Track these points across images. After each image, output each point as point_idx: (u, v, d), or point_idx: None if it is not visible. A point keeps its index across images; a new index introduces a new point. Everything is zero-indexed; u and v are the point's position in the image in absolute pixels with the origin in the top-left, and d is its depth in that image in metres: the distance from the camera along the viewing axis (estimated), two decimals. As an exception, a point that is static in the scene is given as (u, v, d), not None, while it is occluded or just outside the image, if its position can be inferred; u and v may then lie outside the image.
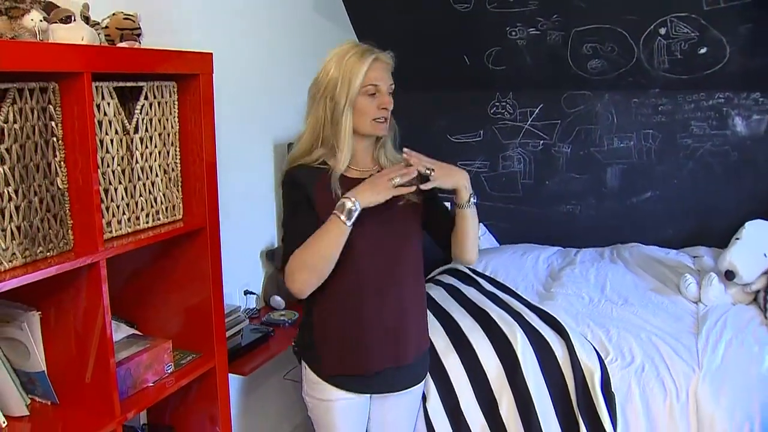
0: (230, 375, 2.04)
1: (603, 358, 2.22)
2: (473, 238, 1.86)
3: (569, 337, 2.27)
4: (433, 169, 1.71)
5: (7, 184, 1.29)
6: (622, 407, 2.15)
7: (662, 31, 3.05)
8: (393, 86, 1.80)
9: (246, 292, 2.69)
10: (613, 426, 2.13)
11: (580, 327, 2.39)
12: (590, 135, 3.53)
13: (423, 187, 1.74)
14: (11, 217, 1.31)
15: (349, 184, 1.74)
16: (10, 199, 1.30)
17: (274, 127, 2.85)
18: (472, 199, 1.79)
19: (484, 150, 3.70)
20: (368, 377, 1.86)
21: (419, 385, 1.99)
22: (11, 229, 1.31)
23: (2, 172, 1.28)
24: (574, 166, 3.58)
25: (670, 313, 2.55)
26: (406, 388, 1.94)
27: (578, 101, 3.51)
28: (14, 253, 1.32)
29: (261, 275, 2.83)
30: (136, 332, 1.84)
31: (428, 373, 2.08)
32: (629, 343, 2.29)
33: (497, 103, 3.62)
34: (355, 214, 1.65)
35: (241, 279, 2.65)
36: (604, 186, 3.56)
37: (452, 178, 1.75)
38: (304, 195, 1.76)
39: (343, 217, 1.65)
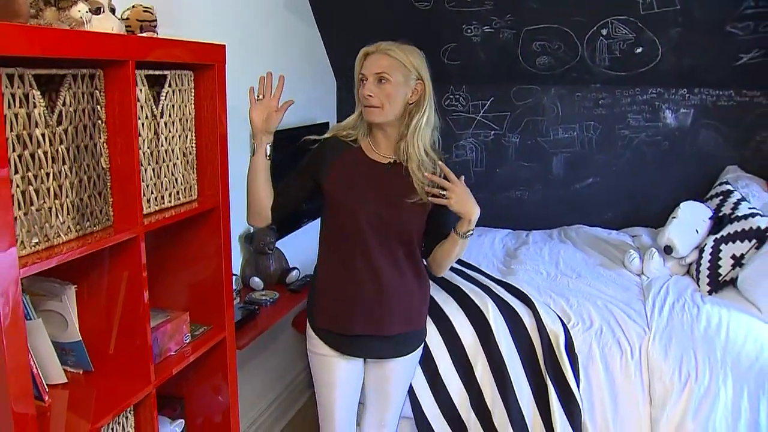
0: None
1: (566, 323, 2.47)
2: (453, 260, 2.07)
3: (535, 305, 2.51)
4: (444, 195, 1.89)
5: (64, 163, 1.40)
6: (585, 366, 2.41)
7: (604, 31, 3.34)
8: (385, 74, 1.92)
9: (228, 274, 2.80)
10: (576, 383, 2.38)
11: (543, 297, 2.63)
12: (537, 126, 3.80)
13: (432, 200, 1.92)
14: (67, 193, 1.41)
15: (368, 163, 1.99)
16: (66, 176, 1.41)
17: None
18: (470, 233, 1.98)
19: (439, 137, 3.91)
20: (349, 338, 2.05)
21: (410, 355, 2.14)
22: (67, 204, 1.41)
23: (62, 151, 1.38)
24: (523, 154, 3.85)
25: (619, 284, 2.83)
26: (384, 358, 2.11)
27: (527, 95, 3.77)
28: (69, 227, 1.42)
29: (240, 258, 2.95)
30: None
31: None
32: (588, 309, 2.55)
33: (451, 96, 3.85)
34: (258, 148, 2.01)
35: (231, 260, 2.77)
36: (550, 173, 3.84)
37: (464, 207, 1.93)
38: (314, 166, 2.04)
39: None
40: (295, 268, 3.04)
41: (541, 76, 3.64)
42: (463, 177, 1.96)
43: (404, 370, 2.16)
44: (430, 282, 2.19)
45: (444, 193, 1.89)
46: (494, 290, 2.62)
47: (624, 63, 3.47)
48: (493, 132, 3.86)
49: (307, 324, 2.13)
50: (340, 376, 2.11)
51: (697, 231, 2.96)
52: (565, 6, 3.26)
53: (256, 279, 2.90)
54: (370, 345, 2.07)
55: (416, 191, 1.95)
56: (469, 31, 3.47)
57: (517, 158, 3.86)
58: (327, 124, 3.67)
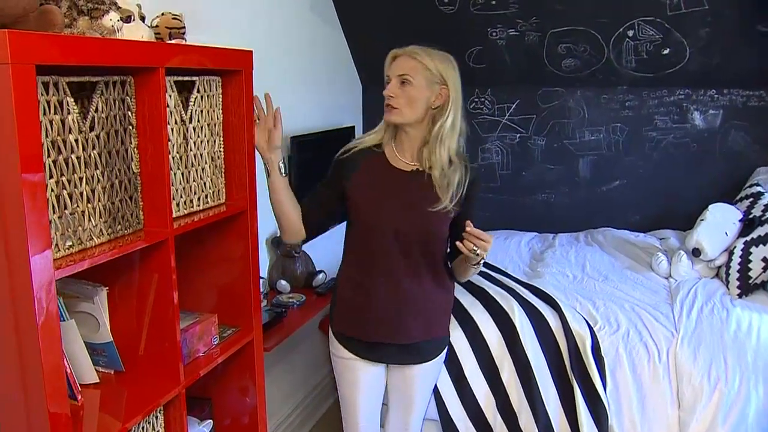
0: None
1: (592, 326, 2.46)
2: (471, 275, 2.08)
3: (561, 308, 2.50)
4: (477, 252, 1.85)
5: (96, 167, 1.43)
6: (611, 369, 2.39)
7: (630, 33, 3.33)
8: (407, 76, 1.92)
9: (255, 277, 2.83)
10: (603, 386, 2.36)
11: (570, 300, 2.62)
12: (563, 128, 3.78)
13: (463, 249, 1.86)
14: (99, 197, 1.44)
15: (391, 171, 2.00)
16: (98, 180, 1.44)
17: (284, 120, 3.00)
18: (479, 266, 1.97)
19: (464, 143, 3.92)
20: (369, 344, 2.06)
21: (432, 361, 2.13)
22: (99, 208, 1.44)
23: (94, 156, 1.42)
24: (549, 157, 3.83)
25: (646, 287, 2.81)
26: (405, 364, 2.11)
27: (552, 97, 3.76)
28: (101, 230, 1.45)
29: (267, 261, 2.98)
30: (177, 309, 1.98)
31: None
32: (615, 312, 2.54)
33: (476, 99, 3.85)
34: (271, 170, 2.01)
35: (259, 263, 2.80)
36: (576, 176, 3.82)
37: (485, 252, 1.88)
38: (340, 173, 2.04)
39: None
40: (321, 271, 3.06)
41: (567, 78, 3.63)
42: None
43: (427, 374, 2.17)
44: (456, 284, 2.21)
45: (476, 250, 1.85)
46: (520, 293, 2.61)
47: (651, 64, 3.45)
48: (518, 135, 3.86)
49: (329, 327, 2.15)
50: (362, 378, 2.12)
51: (726, 233, 2.92)
52: (591, 8, 3.25)
53: (283, 282, 2.93)
54: (389, 351, 2.07)
55: (439, 199, 1.94)
56: (494, 34, 3.47)
57: (543, 161, 3.85)
58: (353, 128, 3.70)
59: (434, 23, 3.45)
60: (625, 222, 3.71)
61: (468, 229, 1.84)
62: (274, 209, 2.06)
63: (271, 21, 2.91)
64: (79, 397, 1.54)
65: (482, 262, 1.96)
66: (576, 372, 2.39)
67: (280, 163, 2.00)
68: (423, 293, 2.03)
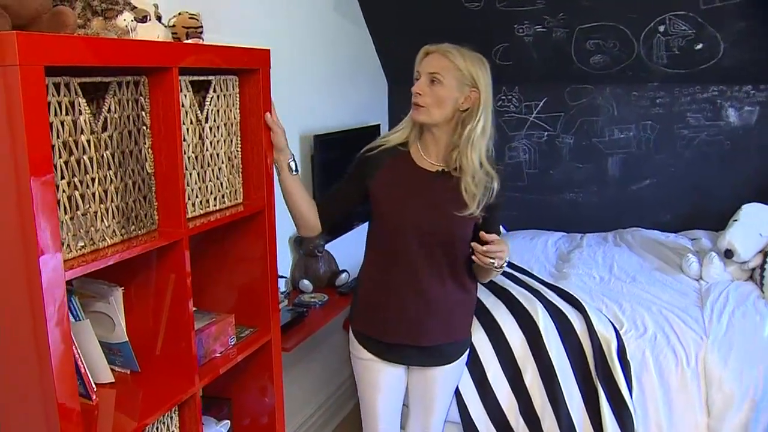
0: (275, 350, 2.18)
1: (618, 329, 2.40)
2: (490, 278, 2.07)
3: (586, 310, 2.45)
4: (494, 263, 1.84)
5: (109, 168, 1.43)
6: (638, 373, 2.34)
7: (661, 28, 3.25)
8: (438, 75, 1.88)
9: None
10: (629, 390, 2.31)
11: (595, 302, 2.57)
12: (592, 126, 3.72)
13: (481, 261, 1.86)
14: (112, 198, 1.44)
15: (415, 170, 1.96)
16: (111, 181, 1.44)
17: (300, 119, 2.99)
18: (502, 268, 1.93)
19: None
20: (388, 345, 2.03)
21: (453, 364, 2.09)
22: (112, 208, 1.44)
23: (107, 156, 1.42)
24: (577, 156, 3.77)
25: (676, 289, 2.74)
26: (425, 366, 2.08)
27: (581, 94, 3.70)
28: (114, 231, 1.45)
29: (289, 260, 2.98)
30: (196, 308, 1.97)
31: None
32: (641, 315, 2.48)
33: (503, 97, 3.80)
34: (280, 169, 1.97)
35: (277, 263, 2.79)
36: (605, 174, 3.75)
37: (502, 260, 1.88)
38: (363, 170, 2.01)
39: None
40: (344, 271, 3.05)
41: (596, 75, 3.56)
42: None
43: (448, 377, 2.13)
44: (480, 285, 2.17)
45: (494, 262, 1.84)
46: (545, 294, 2.57)
47: (683, 60, 3.37)
48: (546, 133, 3.80)
49: (349, 327, 2.13)
50: (382, 380, 2.10)
51: (761, 234, 2.84)
52: (620, 3, 3.19)
53: (306, 281, 2.92)
54: (410, 353, 2.05)
55: (466, 203, 1.90)
56: (521, 30, 3.42)
57: (572, 159, 3.78)
58: (378, 126, 3.68)
59: (460, 20, 3.41)
60: (655, 222, 3.63)
61: (480, 249, 1.82)
62: (288, 207, 2.06)
63: (293, 20, 2.91)
64: (94, 396, 1.54)
65: (505, 264, 1.92)
66: (601, 376, 2.34)
67: (290, 162, 1.97)
68: (445, 294, 2.00)
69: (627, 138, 3.69)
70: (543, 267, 3.07)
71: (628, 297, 2.64)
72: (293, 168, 1.98)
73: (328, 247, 3.05)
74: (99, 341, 1.65)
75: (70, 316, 1.52)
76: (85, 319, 1.55)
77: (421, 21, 3.46)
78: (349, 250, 3.29)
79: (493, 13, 3.34)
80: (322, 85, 3.17)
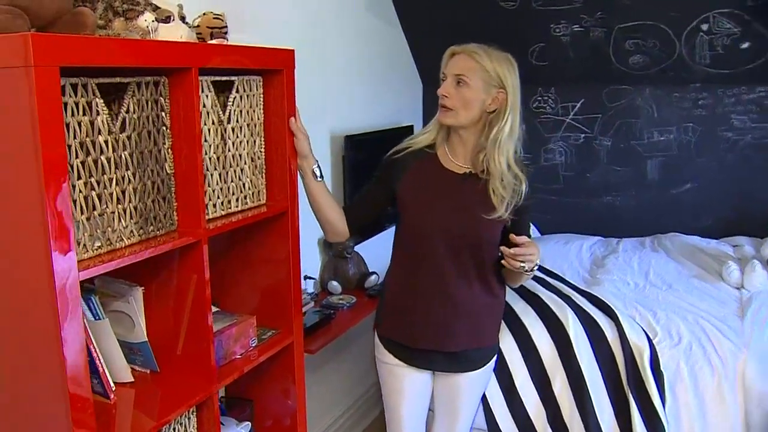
0: (299, 352, 2.17)
1: (651, 338, 2.33)
2: (520, 283, 2.05)
3: (618, 318, 2.38)
4: (524, 267, 1.81)
5: (127, 168, 1.43)
6: (671, 385, 2.26)
7: (704, 27, 3.15)
8: (464, 77, 1.85)
9: (305, 277, 2.82)
10: (662, 402, 2.23)
11: (628, 310, 2.50)
12: (631, 128, 3.63)
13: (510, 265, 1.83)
14: (130, 198, 1.44)
15: (442, 172, 1.94)
16: (129, 181, 1.44)
17: (332, 120, 2.98)
18: (532, 272, 1.90)
19: (526, 143, 3.79)
20: (414, 350, 2.01)
21: (480, 370, 2.06)
22: (130, 209, 1.44)
23: (125, 157, 1.42)
24: (615, 158, 3.68)
25: (715, 298, 2.64)
26: (451, 372, 2.04)
27: (619, 95, 3.61)
28: (132, 231, 1.45)
29: (319, 262, 2.97)
30: (218, 309, 1.98)
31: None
32: (676, 324, 2.39)
33: (539, 98, 3.74)
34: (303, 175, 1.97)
35: (301, 264, 2.78)
36: (644, 178, 3.66)
37: (532, 263, 1.84)
38: (389, 173, 1.99)
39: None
40: (374, 273, 3.02)
41: (635, 76, 3.47)
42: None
43: (475, 383, 2.10)
44: (509, 289, 2.13)
45: (524, 266, 1.80)
46: (576, 301, 2.50)
47: (727, 60, 3.26)
48: (583, 135, 3.72)
49: (375, 331, 2.11)
50: (407, 385, 2.07)
51: (806, 242, 2.72)
52: (661, 1, 3.09)
53: (334, 283, 2.90)
54: (436, 359, 2.01)
55: (494, 208, 1.87)
56: (557, 30, 3.35)
57: (609, 162, 3.69)
58: (411, 127, 3.64)
59: (495, 20, 3.36)
60: (695, 227, 3.53)
61: (508, 252, 1.78)
62: (313, 212, 2.05)
63: (325, 20, 2.90)
64: (112, 395, 1.54)
65: (535, 268, 1.88)
66: (632, 386, 2.27)
67: (314, 168, 1.95)
68: (472, 299, 1.96)
69: (667, 140, 3.58)
70: (576, 272, 3.00)
71: (664, 305, 2.56)
72: (318, 174, 1.97)
73: (357, 248, 3.04)
74: (119, 341, 1.66)
75: (90, 315, 1.54)
76: (104, 318, 1.56)
77: (456, 21, 3.42)
78: (379, 252, 3.26)
79: (528, 12, 3.28)
80: (354, 85, 3.15)
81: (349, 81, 3.11)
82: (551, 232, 3.68)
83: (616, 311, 2.41)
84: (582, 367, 2.31)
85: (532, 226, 3.75)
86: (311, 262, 2.92)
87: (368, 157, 3.01)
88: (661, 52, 3.32)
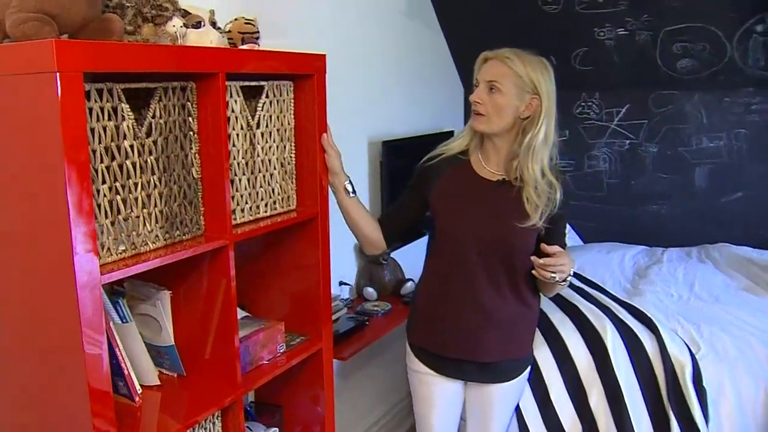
0: (330, 359, 2.16)
1: (694, 352, 2.24)
2: (555, 293, 2.00)
3: (659, 331, 2.30)
4: (555, 277, 1.78)
5: (153, 173, 1.44)
6: (715, 402, 2.17)
7: (758, 28, 3.03)
8: (497, 83, 1.82)
9: (341, 283, 2.81)
10: (705, 420, 2.15)
11: (670, 322, 2.41)
12: (678, 134, 3.52)
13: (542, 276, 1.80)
14: (155, 202, 1.45)
15: (475, 179, 1.91)
16: (155, 186, 1.45)
17: (369, 125, 2.97)
18: (566, 282, 1.85)
19: (569, 149, 3.73)
20: (444, 359, 1.98)
21: (513, 381, 2.01)
22: (155, 213, 1.45)
23: (151, 162, 1.43)
24: (662, 165, 3.58)
25: (764, 312, 2.53)
26: (483, 383, 2.00)
27: (667, 101, 3.50)
28: (157, 235, 1.46)
29: (354, 267, 2.95)
30: (248, 315, 1.98)
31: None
32: (721, 339, 2.30)
33: (583, 103, 3.66)
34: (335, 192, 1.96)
35: (336, 270, 2.75)
36: (692, 186, 3.54)
37: (564, 273, 1.81)
38: (423, 181, 1.98)
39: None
40: (410, 279, 3.00)
41: (683, 80, 3.36)
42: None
43: (507, 394, 2.05)
44: (546, 299, 2.08)
45: (555, 276, 1.77)
46: (615, 312, 2.43)
47: (783, 63, 3.13)
48: (628, 141, 3.62)
49: (406, 339, 2.09)
50: (438, 394, 2.04)
51: None
52: (711, 3, 2.99)
53: (370, 289, 2.89)
54: (467, 369, 1.98)
55: (527, 214, 1.83)
56: (601, 34, 3.27)
57: (655, 169, 3.59)
58: (451, 133, 3.60)
59: (538, 23, 3.30)
60: (746, 238, 3.39)
61: (538, 262, 1.75)
62: (348, 227, 2.05)
63: (363, 24, 2.89)
64: (137, 398, 1.56)
65: (569, 279, 1.83)
66: (673, 402, 2.18)
67: (346, 184, 1.95)
68: (503, 308, 1.92)
69: (717, 147, 3.46)
70: (617, 282, 2.92)
71: (708, 318, 2.46)
72: (350, 190, 1.96)
73: (394, 254, 3.01)
74: (147, 344, 1.67)
75: (117, 318, 1.55)
76: (131, 321, 1.57)
77: (497, 25, 3.38)
78: (415, 258, 3.21)
79: (572, 15, 3.21)
80: (392, 90, 3.14)
81: (388, 85, 3.10)
82: (594, 240, 3.59)
83: (656, 323, 2.33)
84: (620, 380, 2.24)
85: (574, 234, 3.69)
86: (347, 268, 2.91)
87: (406, 164, 2.97)
88: (711, 55, 3.20)
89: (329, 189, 1.93)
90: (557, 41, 3.34)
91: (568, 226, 3.56)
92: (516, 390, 2.07)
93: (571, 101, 3.65)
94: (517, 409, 2.27)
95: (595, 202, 3.68)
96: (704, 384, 2.17)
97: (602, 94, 3.61)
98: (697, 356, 2.23)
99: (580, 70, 3.44)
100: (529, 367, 2.07)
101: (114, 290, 1.72)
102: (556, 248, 1.78)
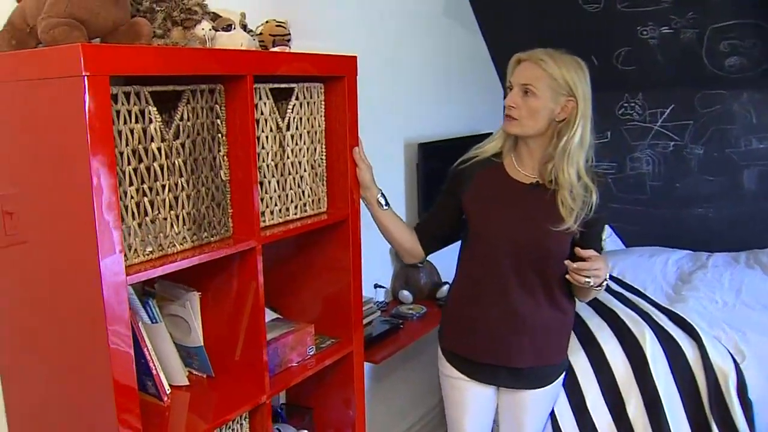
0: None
1: (738, 362, 2.17)
2: (590, 298, 1.95)
3: (701, 338, 2.23)
4: (590, 282, 1.74)
5: (181, 175, 1.45)
6: (760, 414, 2.09)
7: (813, 22, 2.92)
8: (531, 87, 1.78)
9: (376, 286, 2.80)
10: (749, 432, 2.07)
11: (714, 330, 2.34)
12: (726, 135, 3.41)
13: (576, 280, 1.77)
14: (183, 204, 1.46)
15: (509, 182, 1.88)
16: (183, 188, 1.46)
17: (406, 127, 2.95)
18: (603, 286, 1.81)
19: (611, 151, 3.65)
20: (476, 364, 1.95)
21: (547, 387, 1.98)
22: (183, 215, 1.46)
23: (178, 164, 1.44)
24: (708, 167, 3.47)
25: (816, 321, 2.43)
26: (516, 389, 1.97)
27: (713, 101, 3.40)
28: (184, 237, 1.47)
29: (391, 270, 2.94)
30: (279, 317, 1.98)
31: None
32: (768, 348, 2.22)
33: (625, 104, 3.57)
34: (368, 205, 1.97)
35: (372, 273, 2.77)
36: (740, 188, 3.43)
37: (599, 278, 1.77)
38: (456, 184, 1.96)
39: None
40: (446, 283, 2.97)
41: (731, 79, 3.25)
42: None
43: (541, 401, 2.01)
44: (584, 303, 2.03)
45: (589, 281, 1.73)
46: (655, 318, 2.36)
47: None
48: (672, 143, 3.52)
49: (438, 343, 2.06)
50: (470, 399, 2.01)
51: None
52: (760, -2, 2.89)
53: (406, 292, 2.87)
54: (500, 374, 1.94)
55: (562, 217, 1.79)
56: (644, 32, 3.19)
57: (701, 172, 3.48)
58: (490, 135, 3.56)
59: (578, 23, 3.24)
60: (798, 243, 3.26)
61: (572, 267, 1.71)
62: (385, 239, 2.05)
63: (400, 25, 2.88)
64: (165, 398, 1.57)
65: (605, 284, 1.78)
66: (715, 413, 2.11)
67: (378, 197, 1.95)
68: (538, 313, 1.88)
69: (767, 148, 3.33)
70: (659, 287, 2.84)
71: (755, 326, 2.37)
72: (383, 203, 1.96)
73: (431, 257, 2.96)
74: (177, 345, 1.69)
75: (147, 318, 1.57)
76: (160, 322, 1.59)
77: (537, 25, 3.33)
78: (452, 262, 3.13)
79: (613, 14, 3.14)
80: (429, 91, 3.12)
81: (425, 87, 3.08)
82: (636, 244, 3.51)
83: (698, 330, 2.25)
84: (659, 388, 2.17)
85: (616, 237, 3.61)
86: (383, 270, 2.90)
87: (443, 166, 2.94)
88: (762, 53, 3.09)
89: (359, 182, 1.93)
90: (598, 41, 3.27)
91: (609, 229, 3.52)
92: (550, 396, 2.03)
93: (613, 102, 3.56)
94: (552, 414, 2.23)
95: (637, 204, 3.59)
96: (749, 396, 2.09)
97: (645, 95, 3.52)
98: (741, 365, 2.15)
99: (622, 70, 3.36)
100: (564, 373, 2.02)
101: (145, 291, 1.75)
102: (590, 252, 1.74)
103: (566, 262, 1.75)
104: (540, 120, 1.80)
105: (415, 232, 2.05)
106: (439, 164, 2.95)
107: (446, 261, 3.10)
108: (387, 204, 1.97)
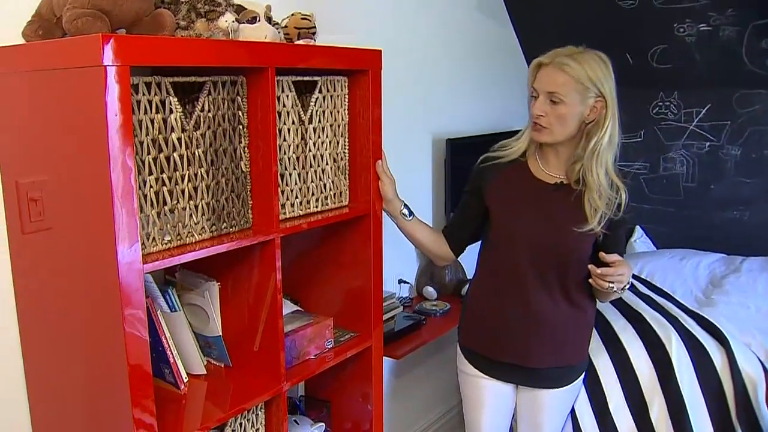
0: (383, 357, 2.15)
1: (768, 369, 2.11)
2: (610, 299, 1.95)
3: (729, 344, 2.17)
4: (612, 287, 1.73)
5: (201, 166, 1.46)
6: (789, 425, 2.03)
7: None
8: (558, 94, 1.73)
9: (400, 281, 2.80)
10: (778, 445, 2.02)
11: (744, 336, 2.27)
12: (765, 137, 3.30)
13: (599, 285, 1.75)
14: (203, 195, 1.47)
15: (532, 181, 1.86)
16: (202, 178, 1.47)
17: (434, 122, 2.94)
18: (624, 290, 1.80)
19: (644, 151, 3.57)
20: (495, 363, 1.94)
21: (566, 387, 1.96)
22: (202, 205, 1.47)
23: (198, 154, 1.45)
24: (745, 169, 3.36)
25: None
26: (534, 388, 1.95)
27: (752, 101, 3.29)
28: (203, 227, 1.48)
29: (416, 266, 2.93)
30: (299, 309, 1.99)
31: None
32: (801, 357, 2.15)
33: (660, 103, 3.48)
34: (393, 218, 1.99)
35: (396, 268, 2.76)
36: (778, 191, 3.33)
37: (622, 284, 1.75)
38: (479, 181, 1.95)
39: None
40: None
41: (772, 78, 3.16)
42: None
43: (559, 400, 1.99)
44: (609, 305, 1.99)
45: (612, 286, 1.72)
46: (682, 321, 2.31)
47: None
48: (708, 143, 3.42)
49: (457, 341, 2.05)
50: (488, 397, 2.00)
51: None
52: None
53: (430, 288, 2.86)
54: (518, 373, 1.93)
55: (586, 218, 1.76)
56: (681, 30, 3.11)
57: (737, 173, 3.38)
58: (520, 131, 3.52)
59: (613, 20, 3.17)
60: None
61: (596, 272, 1.69)
62: (414, 247, 2.10)
63: (431, 20, 2.86)
64: (182, 386, 1.59)
65: (626, 288, 1.76)
66: (743, 422, 2.06)
67: (402, 209, 1.96)
68: (556, 313, 1.86)
69: (807, 151, 3.24)
70: (689, 291, 2.77)
71: (788, 333, 2.31)
72: (407, 213, 1.97)
73: (456, 254, 2.97)
74: (196, 334, 1.71)
75: (166, 307, 1.59)
76: (179, 311, 1.61)
77: (570, 21, 3.27)
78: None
79: (649, 11, 3.07)
80: (458, 86, 3.09)
81: (454, 82, 3.06)
82: (668, 246, 3.43)
83: (727, 336, 2.19)
84: (684, 393, 2.12)
85: (646, 239, 3.54)
86: (407, 265, 2.90)
87: (471, 162, 2.92)
88: (804, 52, 3.00)
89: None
90: (633, 38, 3.20)
91: (640, 230, 3.46)
92: (569, 396, 2.01)
93: (647, 101, 3.48)
94: (573, 414, 2.20)
95: (669, 206, 3.50)
96: (779, 405, 2.04)
97: (681, 94, 3.43)
98: (771, 373, 2.09)
99: (657, 68, 3.27)
100: (583, 373, 2.00)
101: (166, 280, 1.77)
102: (615, 257, 1.71)
103: (590, 267, 1.72)
104: (570, 125, 1.76)
105: (442, 236, 2.04)
106: (467, 160, 2.91)
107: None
108: (411, 214, 1.98)
